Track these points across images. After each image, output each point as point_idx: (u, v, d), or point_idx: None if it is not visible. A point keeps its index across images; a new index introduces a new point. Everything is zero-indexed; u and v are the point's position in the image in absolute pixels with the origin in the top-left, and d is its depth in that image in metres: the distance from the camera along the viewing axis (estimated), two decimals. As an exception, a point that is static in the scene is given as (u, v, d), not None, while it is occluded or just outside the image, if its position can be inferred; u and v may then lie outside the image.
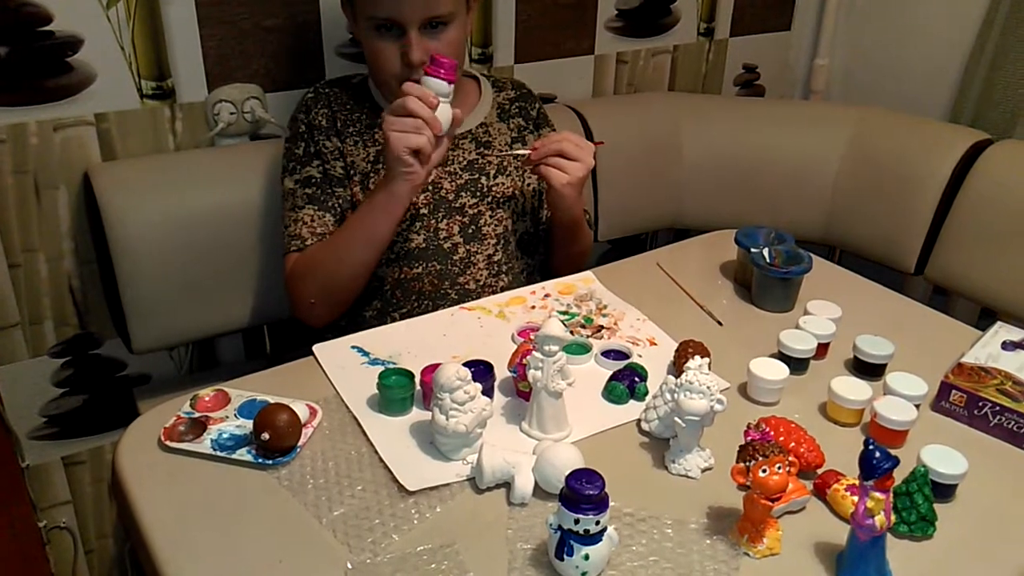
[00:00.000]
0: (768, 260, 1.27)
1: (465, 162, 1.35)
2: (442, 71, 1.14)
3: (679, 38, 2.04)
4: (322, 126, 1.33)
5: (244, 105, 1.51)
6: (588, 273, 1.36)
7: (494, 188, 1.36)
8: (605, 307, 1.27)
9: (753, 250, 1.29)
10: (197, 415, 0.99)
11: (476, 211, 1.35)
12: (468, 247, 1.34)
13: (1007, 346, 1.12)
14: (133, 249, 1.36)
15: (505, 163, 1.38)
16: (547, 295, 1.30)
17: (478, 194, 1.35)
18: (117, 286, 1.38)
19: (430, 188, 1.32)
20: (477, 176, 1.35)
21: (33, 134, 1.35)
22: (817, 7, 2.18)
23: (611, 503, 0.79)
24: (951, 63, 1.94)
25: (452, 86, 1.15)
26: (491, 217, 1.36)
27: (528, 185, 1.40)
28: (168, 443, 0.95)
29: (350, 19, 1.32)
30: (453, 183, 1.34)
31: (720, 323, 1.24)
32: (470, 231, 1.34)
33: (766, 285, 1.28)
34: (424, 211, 1.32)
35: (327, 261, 1.27)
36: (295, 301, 1.32)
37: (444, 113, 1.15)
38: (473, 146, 1.37)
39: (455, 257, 1.33)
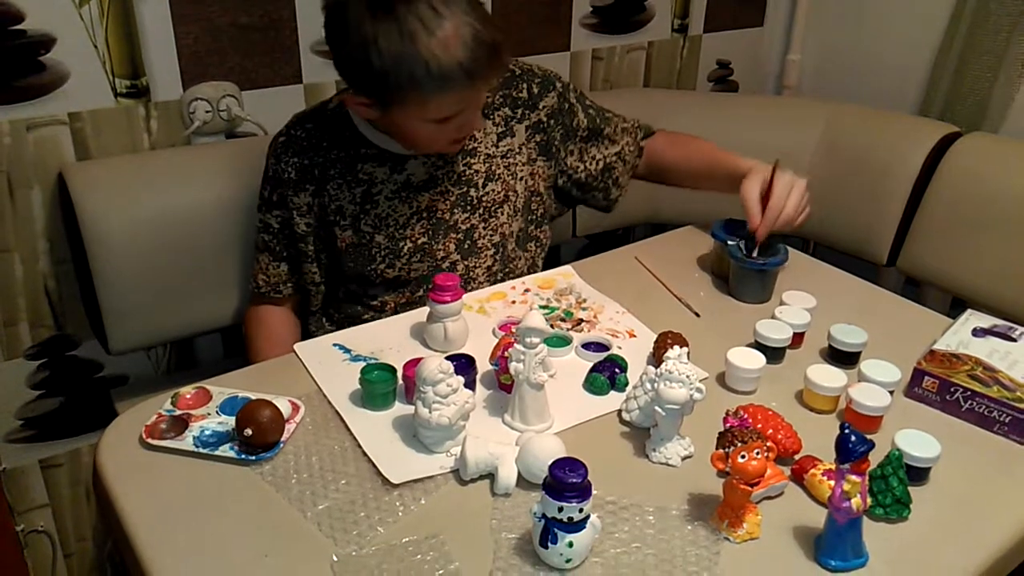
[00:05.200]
0: (744, 252, 1.29)
1: (454, 176, 1.30)
2: (448, 295, 1.10)
3: (653, 34, 2.06)
4: (291, 180, 1.26)
5: (220, 103, 1.50)
6: (567, 267, 1.37)
7: (484, 198, 1.32)
8: (585, 301, 1.28)
9: (730, 242, 1.30)
10: (178, 412, 0.99)
11: (469, 225, 1.31)
12: (466, 263, 1.32)
13: (977, 333, 1.14)
14: (109, 249, 1.35)
15: (494, 168, 1.32)
16: (527, 290, 1.31)
17: (468, 208, 1.31)
18: (93, 286, 1.37)
19: (425, 215, 1.29)
20: (466, 189, 1.30)
21: (6, 134, 1.34)
22: (789, 3, 2.21)
23: (593, 491, 0.80)
24: (920, 58, 1.97)
25: (461, 300, 1.12)
26: (485, 228, 1.32)
27: (520, 180, 1.35)
28: (150, 441, 0.95)
29: (374, 109, 1.15)
30: (446, 202, 1.30)
31: (698, 315, 1.25)
32: (466, 246, 1.32)
33: (743, 277, 1.30)
34: (423, 239, 1.29)
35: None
36: None
37: (457, 331, 1.13)
38: (460, 157, 1.30)
39: (456, 273, 1.31)
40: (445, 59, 1.06)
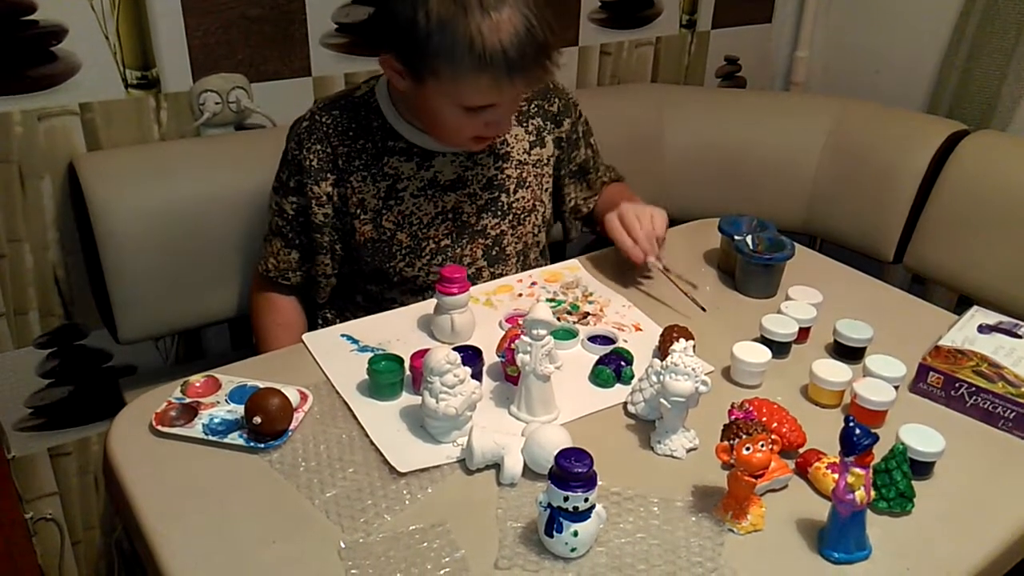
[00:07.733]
0: (751, 247, 1.29)
1: (484, 180, 1.29)
2: (455, 287, 1.10)
3: (662, 30, 2.06)
4: (312, 168, 1.23)
5: (229, 95, 1.51)
6: (574, 261, 1.38)
7: (515, 204, 1.31)
8: (591, 294, 1.28)
9: (736, 237, 1.31)
10: (188, 400, 1.00)
11: (499, 231, 1.31)
12: (492, 270, 1.32)
13: (983, 329, 1.15)
14: (119, 239, 1.36)
15: (525, 175, 1.32)
16: (534, 283, 1.31)
17: (499, 213, 1.30)
18: (103, 276, 1.38)
19: (450, 217, 1.28)
20: (497, 194, 1.29)
21: (17, 123, 1.35)
22: (797, 0, 2.20)
23: (599, 482, 0.80)
24: (929, 55, 1.97)
25: (468, 293, 1.12)
26: (512, 235, 1.32)
27: (545, 191, 1.36)
28: (160, 428, 0.95)
29: (407, 79, 1.14)
30: (474, 205, 1.28)
31: (704, 309, 1.26)
32: (493, 253, 1.31)
33: (749, 271, 1.30)
34: (446, 242, 1.28)
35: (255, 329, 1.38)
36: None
37: (464, 323, 1.13)
38: (492, 160, 1.29)
39: (479, 282, 1.30)
40: (490, 41, 1.04)
